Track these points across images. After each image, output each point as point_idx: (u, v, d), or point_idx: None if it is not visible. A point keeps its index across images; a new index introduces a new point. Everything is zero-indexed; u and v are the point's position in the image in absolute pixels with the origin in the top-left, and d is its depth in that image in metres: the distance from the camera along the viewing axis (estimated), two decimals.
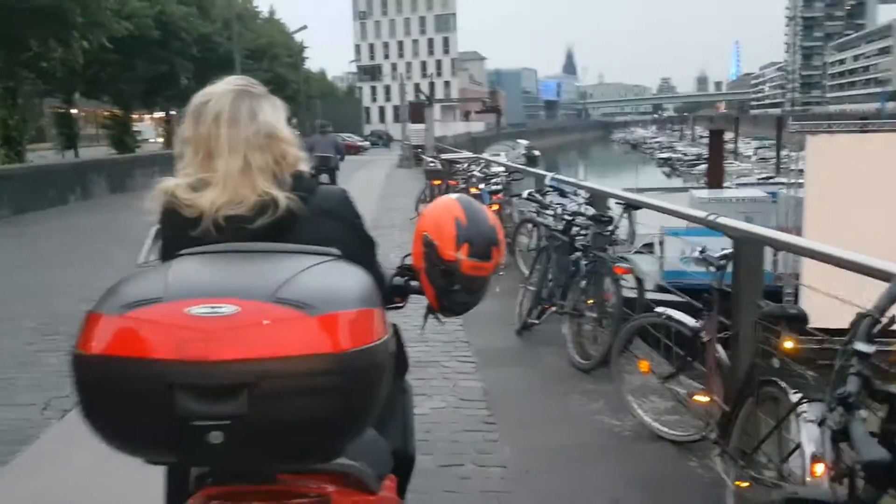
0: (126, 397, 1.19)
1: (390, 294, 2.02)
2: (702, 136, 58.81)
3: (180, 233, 1.60)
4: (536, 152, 50.80)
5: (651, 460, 3.56)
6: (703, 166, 36.09)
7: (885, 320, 1.60)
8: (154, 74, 27.23)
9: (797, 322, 2.50)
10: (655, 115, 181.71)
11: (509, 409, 4.30)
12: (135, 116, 29.70)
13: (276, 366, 1.16)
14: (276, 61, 42.91)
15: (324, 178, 11.78)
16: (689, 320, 3.50)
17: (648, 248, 16.05)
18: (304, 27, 45.97)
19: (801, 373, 2.38)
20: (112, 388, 1.20)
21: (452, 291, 1.85)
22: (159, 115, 37.04)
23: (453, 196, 1.91)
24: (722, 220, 3.41)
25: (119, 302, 1.23)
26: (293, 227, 1.63)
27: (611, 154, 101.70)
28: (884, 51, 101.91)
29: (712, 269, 3.23)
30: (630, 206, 5.29)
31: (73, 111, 27.19)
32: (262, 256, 1.43)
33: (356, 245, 1.77)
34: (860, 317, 1.60)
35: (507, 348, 5.57)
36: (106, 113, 29.56)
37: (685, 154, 62.80)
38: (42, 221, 14.62)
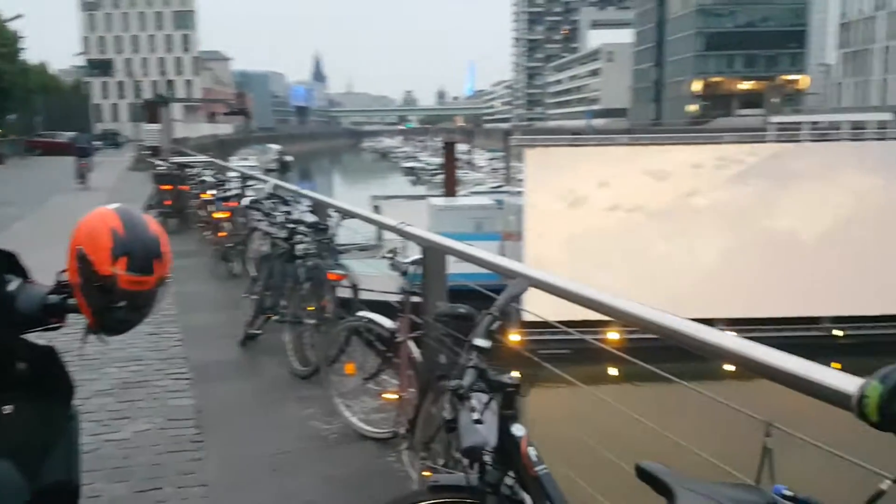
0: None
1: (45, 314, 1.88)
2: (442, 148, 62.17)
3: None
4: (289, 158, 49.84)
5: (351, 459, 3.67)
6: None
7: (503, 318, 1.80)
8: None
9: (465, 321, 2.72)
10: (400, 126, 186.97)
11: (220, 424, 4.20)
12: None
13: None
14: None
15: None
16: (387, 322, 3.66)
17: (392, 253, 16.53)
18: (20, 16, 41.51)
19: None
20: None
21: (113, 308, 1.77)
22: None
23: (112, 206, 1.83)
24: (410, 229, 3.61)
25: None
26: None
27: (362, 162, 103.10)
28: (593, 73, 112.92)
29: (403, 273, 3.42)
30: (345, 215, 5.41)
31: None
32: None
33: None
34: (483, 315, 1.79)
35: (227, 361, 5.41)
36: None
37: (428, 164, 65.68)
38: None
